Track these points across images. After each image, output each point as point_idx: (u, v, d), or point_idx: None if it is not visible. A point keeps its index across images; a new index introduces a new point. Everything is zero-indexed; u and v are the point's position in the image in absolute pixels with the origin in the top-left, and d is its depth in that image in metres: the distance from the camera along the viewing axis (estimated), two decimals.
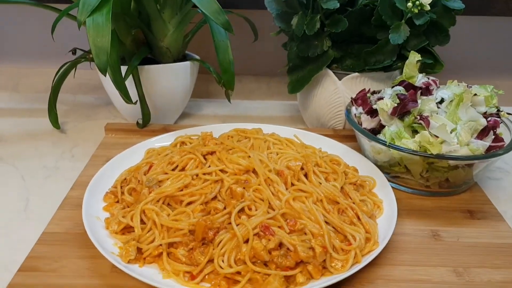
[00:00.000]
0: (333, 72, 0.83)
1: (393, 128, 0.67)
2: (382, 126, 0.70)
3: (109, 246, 0.55)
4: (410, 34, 0.77)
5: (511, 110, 0.72)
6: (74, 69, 0.84)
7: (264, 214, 0.55)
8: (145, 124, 0.84)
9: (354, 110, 0.75)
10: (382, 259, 0.56)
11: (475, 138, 0.65)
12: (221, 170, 0.61)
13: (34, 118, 0.94)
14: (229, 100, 0.90)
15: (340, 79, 0.83)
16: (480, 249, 0.60)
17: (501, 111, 0.70)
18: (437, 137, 0.63)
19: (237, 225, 0.53)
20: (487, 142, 0.65)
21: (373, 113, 0.72)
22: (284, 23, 0.82)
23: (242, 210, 0.56)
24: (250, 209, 0.56)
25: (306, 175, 0.63)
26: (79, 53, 0.87)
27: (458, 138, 0.63)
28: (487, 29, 1.12)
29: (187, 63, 0.87)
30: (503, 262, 0.58)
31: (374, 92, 0.77)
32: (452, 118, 0.65)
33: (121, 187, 0.64)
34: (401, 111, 0.67)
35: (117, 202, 0.63)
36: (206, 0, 0.69)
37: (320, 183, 0.62)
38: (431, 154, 0.62)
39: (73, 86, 0.98)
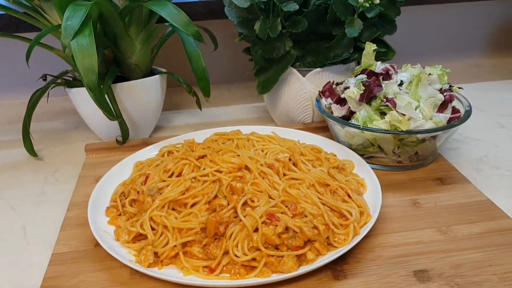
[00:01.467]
0: (297, 70, 0.89)
1: (363, 113, 0.74)
2: (352, 113, 0.77)
3: (124, 255, 0.58)
4: (363, 27, 0.84)
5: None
6: (47, 95, 0.85)
7: (267, 204, 0.59)
8: (125, 140, 0.87)
9: (323, 101, 0.81)
10: (375, 230, 0.62)
11: (436, 112, 0.72)
12: (216, 171, 0.65)
13: (6, 149, 0.93)
14: (200, 108, 0.94)
15: (304, 76, 0.89)
16: (456, 209, 0.67)
17: (453, 86, 0.78)
18: (404, 115, 0.70)
19: (244, 216, 0.58)
20: (448, 114, 0.73)
21: (341, 102, 0.78)
22: (246, 29, 0.87)
23: (245, 204, 0.60)
24: (252, 201, 0.60)
25: (294, 165, 0.68)
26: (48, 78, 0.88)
27: (422, 114, 0.71)
28: (425, 16, 1.23)
29: (157, 77, 0.90)
30: (476, 217, 0.65)
31: (338, 84, 0.83)
32: (414, 96, 0.73)
33: (120, 200, 0.67)
34: (368, 96, 0.73)
35: (119, 215, 0.66)
36: (175, 14, 0.73)
37: (309, 170, 0.67)
38: (402, 130, 0.69)
39: (37, 115, 0.98)
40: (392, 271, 0.56)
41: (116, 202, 0.67)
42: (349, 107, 0.77)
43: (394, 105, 0.71)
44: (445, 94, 0.74)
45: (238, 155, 0.68)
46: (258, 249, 0.55)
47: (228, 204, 0.60)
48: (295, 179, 0.65)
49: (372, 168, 0.73)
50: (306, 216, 0.59)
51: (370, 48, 0.80)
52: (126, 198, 0.66)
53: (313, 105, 0.91)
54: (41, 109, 0.90)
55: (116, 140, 0.87)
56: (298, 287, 0.54)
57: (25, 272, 0.61)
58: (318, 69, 0.89)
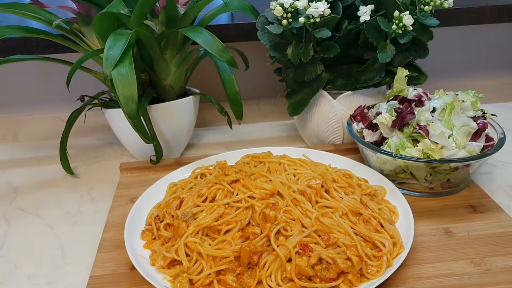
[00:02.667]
0: (328, 93, 0.89)
1: (395, 139, 0.73)
2: (383, 138, 0.77)
3: (160, 280, 0.58)
4: (395, 52, 0.83)
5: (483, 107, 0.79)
6: (85, 115, 0.87)
7: (300, 233, 0.59)
8: (159, 160, 0.88)
9: (355, 126, 0.81)
10: (407, 260, 0.61)
11: (469, 141, 0.71)
12: (249, 196, 0.65)
13: (44, 166, 0.95)
14: (231, 127, 0.94)
15: (334, 98, 0.89)
16: (489, 239, 0.66)
17: (486, 113, 0.77)
18: (437, 143, 0.69)
19: (277, 246, 0.58)
20: (481, 143, 0.72)
21: (373, 127, 0.78)
22: (278, 53, 0.88)
23: (278, 232, 0.60)
24: (285, 229, 0.60)
25: (327, 192, 0.68)
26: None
27: (455, 142, 0.70)
28: (456, 36, 1.22)
29: (190, 98, 0.91)
30: (511, 249, 0.64)
31: (369, 107, 0.83)
32: (447, 125, 0.72)
33: (155, 223, 0.68)
34: (401, 123, 0.73)
35: (154, 238, 0.66)
36: (211, 41, 0.74)
37: (342, 198, 0.67)
38: (435, 159, 0.68)
39: (73, 130, 1.00)
40: None
41: (151, 225, 0.68)
42: (381, 133, 0.76)
43: (427, 133, 0.70)
44: (478, 122, 0.73)
45: (271, 180, 0.68)
46: (292, 280, 0.55)
47: (261, 232, 0.60)
48: (327, 207, 0.64)
49: (403, 194, 0.72)
50: (339, 247, 0.59)
51: (402, 73, 0.80)
52: (161, 222, 0.67)
53: (343, 127, 0.91)
54: (76, 124, 0.92)
55: (150, 159, 0.88)
56: None
57: None
58: (349, 92, 0.88)
